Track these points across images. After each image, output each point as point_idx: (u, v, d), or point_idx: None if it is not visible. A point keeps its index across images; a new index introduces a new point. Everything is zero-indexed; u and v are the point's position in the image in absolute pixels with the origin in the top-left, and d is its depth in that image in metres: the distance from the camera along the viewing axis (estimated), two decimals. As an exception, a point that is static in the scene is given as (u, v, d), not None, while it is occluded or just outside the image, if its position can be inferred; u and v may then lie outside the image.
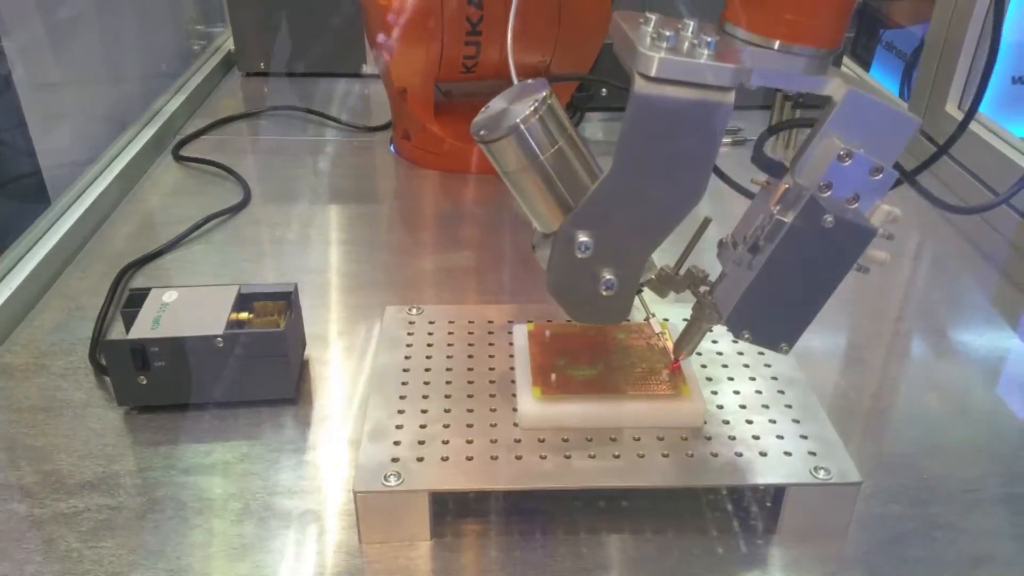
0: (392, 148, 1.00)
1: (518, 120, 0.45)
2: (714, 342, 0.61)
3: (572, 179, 0.47)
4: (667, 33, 0.42)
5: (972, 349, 0.69)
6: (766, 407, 0.55)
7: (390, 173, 0.97)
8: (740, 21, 0.44)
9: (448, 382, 0.56)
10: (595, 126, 1.09)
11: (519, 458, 0.50)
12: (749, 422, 0.53)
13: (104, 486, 0.53)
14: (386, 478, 0.48)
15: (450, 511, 0.52)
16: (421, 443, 0.51)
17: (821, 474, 0.49)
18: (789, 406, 0.55)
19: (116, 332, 0.66)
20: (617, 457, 0.50)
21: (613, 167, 0.45)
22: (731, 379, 0.57)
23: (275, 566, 0.48)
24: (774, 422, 0.53)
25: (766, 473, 0.49)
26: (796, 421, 0.53)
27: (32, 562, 0.48)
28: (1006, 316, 0.73)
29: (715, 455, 0.51)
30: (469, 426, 0.53)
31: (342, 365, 0.65)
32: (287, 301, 0.61)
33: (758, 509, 0.52)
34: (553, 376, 0.54)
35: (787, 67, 0.43)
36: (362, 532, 0.49)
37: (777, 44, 0.43)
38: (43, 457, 0.56)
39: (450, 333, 0.61)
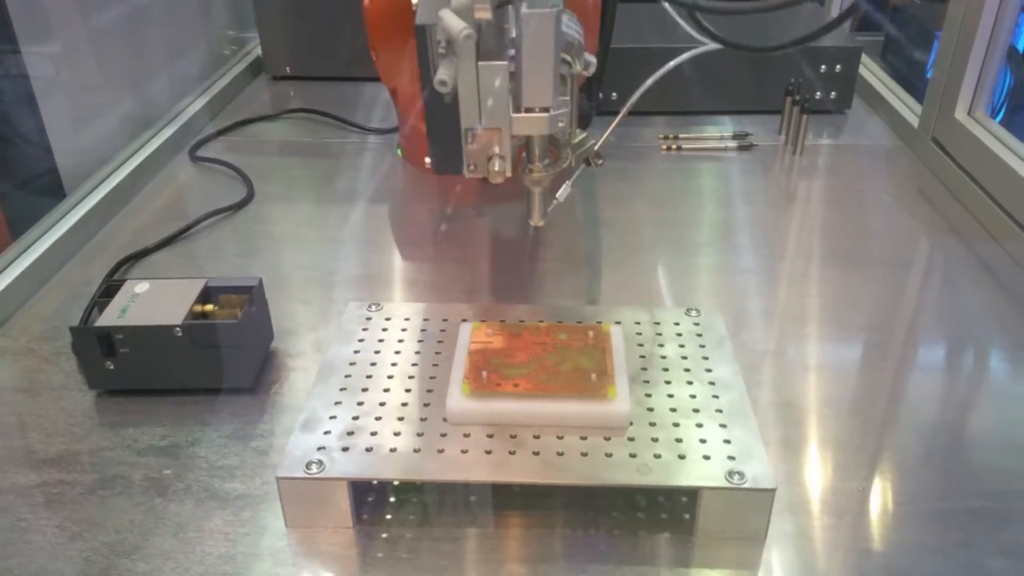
0: (399, 150, 1.03)
1: None
2: (660, 346, 0.61)
3: None
4: None
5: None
6: (696, 411, 0.55)
7: (393, 174, 1.00)
8: None
9: (390, 376, 0.58)
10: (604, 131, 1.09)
11: (441, 451, 0.52)
12: (676, 425, 0.53)
13: (63, 463, 0.57)
14: (308, 466, 0.50)
15: (378, 500, 0.54)
16: (350, 434, 0.53)
17: (735, 479, 0.49)
18: (720, 411, 0.55)
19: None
20: (536, 454, 0.51)
21: None
22: (668, 382, 0.57)
23: (203, 543, 0.51)
24: (700, 426, 0.53)
25: (680, 476, 0.50)
26: (723, 426, 0.53)
27: (-17, 529, 0.52)
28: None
29: (633, 456, 0.51)
30: (400, 419, 0.54)
31: (308, 358, 0.68)
32: (250, 294, 0.64)
33: (680, 511, 0.53)
34: (484, 373, 0.55)
35: None
36: (287, 517, 0.52)
37: None
38: (14, 433, 0.60)
39: (403, 330, 0.63)
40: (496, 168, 0.46)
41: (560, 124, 0.46)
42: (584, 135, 0.53)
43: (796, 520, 0.52)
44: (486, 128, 0.45)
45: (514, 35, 0.44)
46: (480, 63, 0.43)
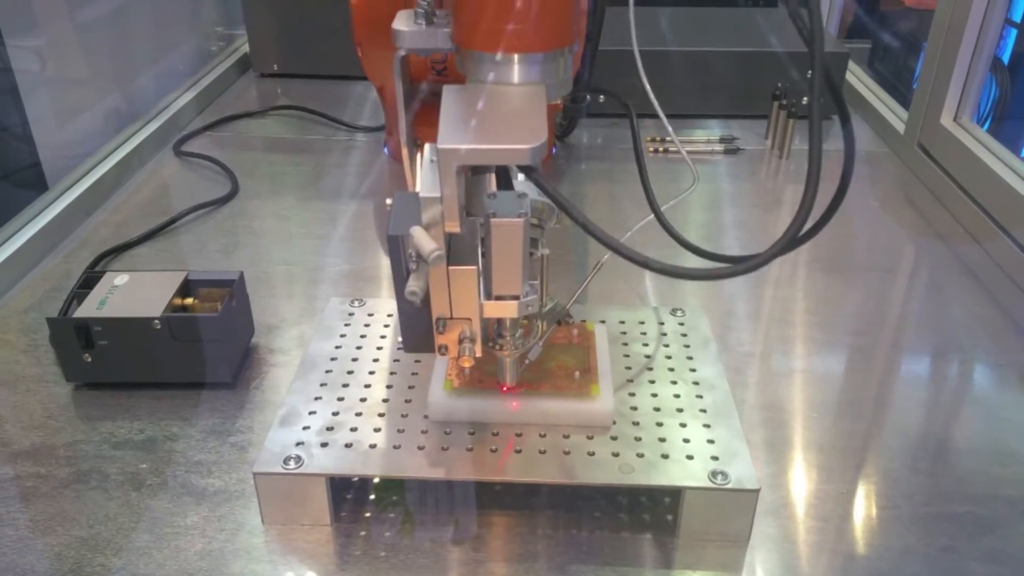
0: (385, 148, 1.02)
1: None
2: (645, 345, 0.61)
3: None
4: None
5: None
6: (680, 410, 0.54)
7: (377, 172, 0.99)
8: None
9: (371, 372, 0.58)
10: (593, 132, 1.09)
11: (421, 448, 0.51)
12: (659, 424, 0.53)
13: (38, 456, 0.56)
14: (286, 461, 0.50)
15: (357, 498, 0.53)
16: (329, 429, 0.52)
17: (719, 479, 0.49)
18: (704, 410, 0.54)
19: (80, 314, 0.69)
20: (518, 452, 0.51)
21: None
22: (652, 382, 0.57)
23: (178, 539, 0.50)
24: (684, 425, 0.53)
25: (662, 475, 0.49)
26: (707, 426, 0.53)
27: (-47, 522, 0.51)
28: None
29: (616, 455, 0.51)
30: (381, 415, 0.54)
31: (290, 354, 0.67)
32: (231, 288, 0.63)
33: (663, 512, 0.52)
34: (467, 370, 0.55)
35: None
36: (264, 513, 0.51)
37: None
38: (-11, 426, 0.59)
39: (386, 326, 0.63)
40: (467, 353, 0.47)
41: (530, 308, 0.47)
42: (555, 303, 0.54)
43: (780, 523, 0.52)
44: (456, 317, 0.47)
45: (483, 234, 0.45)
46: (451, 267, 0.45)
